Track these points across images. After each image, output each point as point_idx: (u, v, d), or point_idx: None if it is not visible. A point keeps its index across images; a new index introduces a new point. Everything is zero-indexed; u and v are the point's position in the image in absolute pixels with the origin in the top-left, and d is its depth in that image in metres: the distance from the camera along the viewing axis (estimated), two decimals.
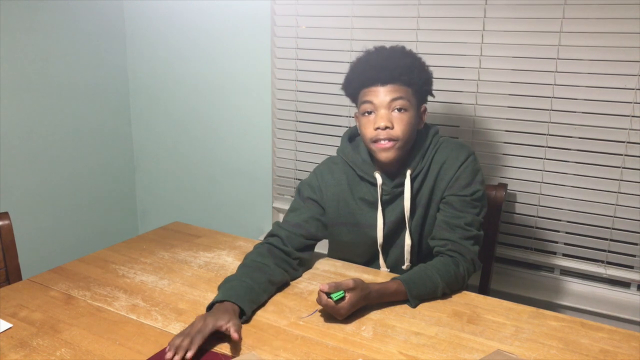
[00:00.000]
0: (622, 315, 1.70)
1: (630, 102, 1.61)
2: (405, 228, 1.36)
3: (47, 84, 2.13)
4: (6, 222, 1.41)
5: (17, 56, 2.01)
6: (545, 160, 1.76)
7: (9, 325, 1.09)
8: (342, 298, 1.11)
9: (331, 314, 1.14)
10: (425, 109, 1.37)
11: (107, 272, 1.35)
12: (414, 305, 1.20)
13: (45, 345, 1.03)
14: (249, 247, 1.50)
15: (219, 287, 1.20)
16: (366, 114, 1.31)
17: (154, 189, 2.56)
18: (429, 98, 1.39)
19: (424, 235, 1.38)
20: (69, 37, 2.17)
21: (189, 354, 0.96)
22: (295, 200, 1.43)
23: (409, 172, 1.34)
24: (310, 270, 1.37)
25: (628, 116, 1.62)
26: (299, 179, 2.22)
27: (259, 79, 2.16)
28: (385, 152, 1.29)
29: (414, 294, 1.20)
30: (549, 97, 1.70)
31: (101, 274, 1.34)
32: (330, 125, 2.08)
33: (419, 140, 1.37)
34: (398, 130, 1.28)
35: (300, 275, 1.34)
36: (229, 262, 1.42)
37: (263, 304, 1.20)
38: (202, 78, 2.28)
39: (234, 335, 1.01)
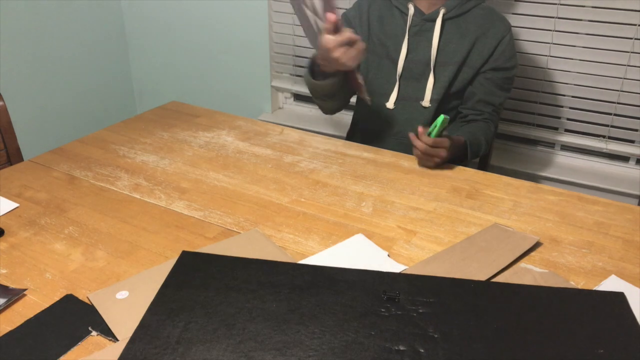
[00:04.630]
0: (619, 189, 1.73)
1: None
2: (430, 70, 1.40)
3: None
4: (0, 103, 1.38)
5: None
6: (554, 32, 1.68)
7: (15, 204, 1.11)
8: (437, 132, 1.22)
9: (428, 160, 1.25)
10: None
11: (108, 152, 1.35)
12: (469, 160, 1.37)
13: (54, 223, 1.06)
14: (249, 127, 1.49)
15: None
16: None
17: (150, 68, 2.49)
18: None
19: (452, 86, 1.43)
20: None
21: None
22: None
23: (442, 10, 1.38)
24: (311, 150, 1.37)
25: None
26: (298, 56, 2.15)
27: None
28: None
29: (472, 154, 1.35)
30: None
31: (102, 154, 1.34)
32: None
33: None
34: None
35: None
36: (229, 141, 1.41)
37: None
38: None
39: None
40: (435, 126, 1.23)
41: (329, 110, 1.50)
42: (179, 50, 2.37)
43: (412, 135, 1.25)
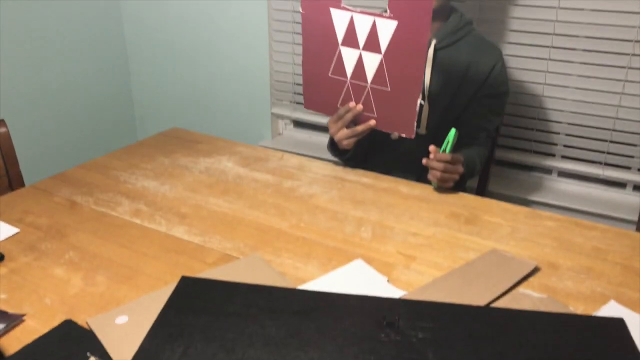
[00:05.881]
0: (617, 215, 1.74)
1: None
2: (425, 98, 1.41)
3: None
4: (3, 129, 1.40)
5: None
6: (549, 60, 1.72)
7: (16, 230, 1.12)
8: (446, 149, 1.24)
9: (444, 179, 1.25)
10: None
11: (109, 178, 1.36)
12: (465, 182, 1.39)
13: (54, 248, 1.06)
14: (249, 153, 1.50)
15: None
16: None
17: (151, 94, 2.52)
18: None
19: (446, 114, 1.45)
20: None
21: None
22: None
23: (434, 41, 1.39)
24: (310, 175, 1.38)
25: (637, 13, 1.56)
26: (297, 84, 2.18)
27: None
28: None
29: (467, 174, 1.36)
30: None
31: (103, 180, 1.35)
32: None
33: (452, 19, 1.42)
34: None
35: None
36: (230, 167, 1.42)
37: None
38: None
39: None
40: (448, 142, 1.24)
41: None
42: (180, 76, 2.40)
43: (425, 160, 1.25)
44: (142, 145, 1.55)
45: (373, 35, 1.16)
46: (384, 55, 1.16)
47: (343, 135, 1.33)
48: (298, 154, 1.57)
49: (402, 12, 1.11)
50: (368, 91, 1.24)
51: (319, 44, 1.27)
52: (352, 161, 1.44)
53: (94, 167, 1.41)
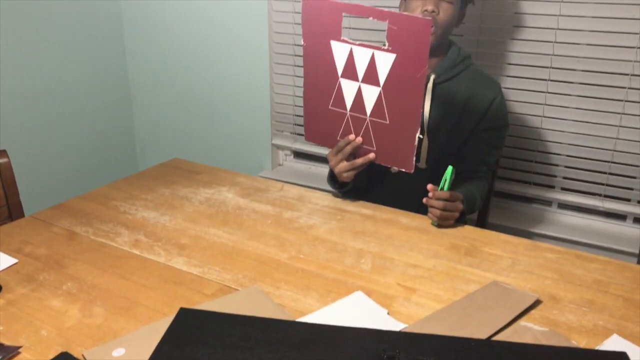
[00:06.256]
0: (617, 247, 1.73)
1: (637, 33, 1.57)
2: (424, 132, 1.42)
3: (44, 25, 2.07)
4: (5, 159, 1.40)
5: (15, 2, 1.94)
6: (547, 94, 1.74)
7: (14, 260, 1.11)
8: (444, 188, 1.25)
9: (444, 217, 1.25)
10: (464, 14, 1.45)
11: (109, 208, 1.36)
12: (465, 218, 1.35)
13: (52, 279, 1.05)
14: (250, 183, 1.51)
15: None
16: None
17: (152, 125, 2.54)
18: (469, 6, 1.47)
19: (446, 148, 1.46)
20: None
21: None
22: None
23: (433, 76, 1.41)
24: (310, 206, 1.38)
25: (633, 48, 1.59)
26: (297, 115, 2.20)
27: (256, 13, 2.10)
28: None
29: (468, 210, 1.35)
30: (553, 29, 1.66)
31: (103, 210, 1.35)
32: None
33: (451, 53, 1.44)
34: (443, 17, 1.35)
35: None
36: (230, 197, 1.43)
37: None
38: (199, 12, 2.22)
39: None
40: (446, 180, 1.25)
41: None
42: (182, 107, 2.43)
43: (425, 200, 1.27)
44: (142, 176, 1.56)
45: (372, 67, 1.17)
46: (383, 88, 1.18)
47: (343, 168, 1.33)
48: (298, 184, 1.58)
49: (400, 45, 1.13)
50: (367, 124, 1.25)
51: (319, 76, 1.29)
52: (352, 194, 1.44)
53: (94, 197, 1.42)
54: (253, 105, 2.24)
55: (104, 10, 2.33)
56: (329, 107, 1.30)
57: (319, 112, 1.33)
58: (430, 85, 1.41)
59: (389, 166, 1.32)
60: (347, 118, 1.28)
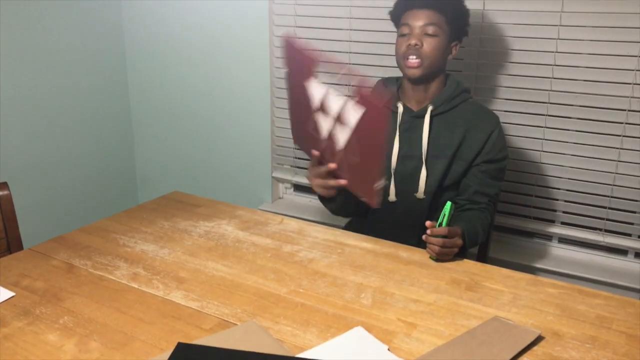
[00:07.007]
0: (619, 282, 1.72)
1: (632, 70, 1.59)
2: (422, 163, 1.44)
3: (44, 54, 2.11)
4: (5, 192, 1.41)
5: (14, 24, 1.97)
6: (545, 128, 1.75)
7: (11, 293, 1.10)
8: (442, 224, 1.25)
9: (443, 253, 1.25)
10: (458, 44, 1.47)
11: (108, 241, 1.35)
12: (467, 249, 1.35)
13: (48, 313, 1.04)
14: (249, 216, 1.51)
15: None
16: (403, 36, 1.42)
17: (153, 158, 2.56)
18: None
19: (445, 179, 1.46)
20: (64, 3, 2.14)
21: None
22: None
23: (430, 108, 1.44)
24: (310, 240, 1.38)
25: (630, 84, 1.61)
26: (298, 149, 2.21)
27: (257, 48, 2.13)
28: (413, 68, 1.41)
29: (469, 243, 1.34)
30: (551, 65, 1.69)
31: (102, 243, 1.34)
32: None
33: (448, 86, 1.46)
34: (427, 49, 1.39)
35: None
36: (229, 231, 1.42)
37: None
38: (201, 47, 2.26)
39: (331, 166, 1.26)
40: (445, 215, 1.26)
41: (342, 213, 1.54)
42: (182, 140, 2.44)
43: (424, 237, 1.27)
44: (142, 209, 1.56)
45: (344, 113, 1.19)
46: (353, 131, 1.19)
47: (315, 183, 1.35)
48: (298, 218, 1.57)
49: (365, 106, 1.15)
50: (341, 154, 1.26)
51: (299, 102, 1.32)
52: (341, 213, 1.47)
53: (94, 230, 1.41)
54: (253, 138, 2.26)
55: (105, 42, 2.36)
56: (310, 130, 1.32)
57: (302, 128, 1.35)
58: (427, 116, 1.43)
59: (359, 196, 1.32)
60: (324, 143, 1.29)
